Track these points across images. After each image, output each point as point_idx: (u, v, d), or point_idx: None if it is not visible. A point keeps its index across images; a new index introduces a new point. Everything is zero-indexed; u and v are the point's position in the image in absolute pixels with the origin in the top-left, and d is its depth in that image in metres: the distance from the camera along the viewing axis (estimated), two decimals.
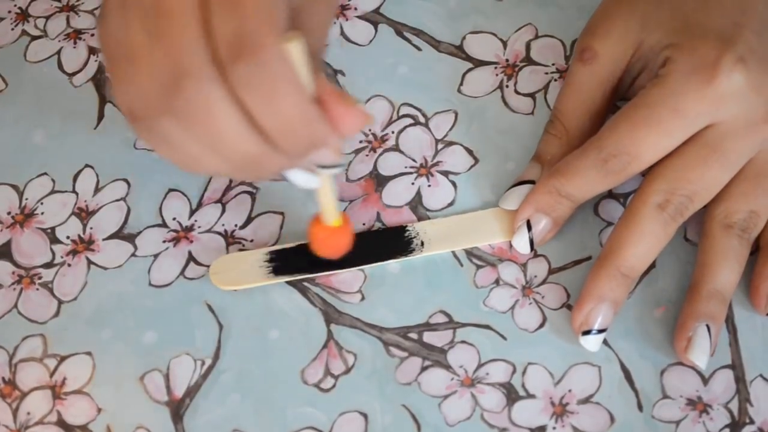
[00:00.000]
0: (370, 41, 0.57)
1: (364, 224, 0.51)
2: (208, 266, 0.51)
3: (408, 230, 0.51)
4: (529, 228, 0.49)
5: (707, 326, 0.47)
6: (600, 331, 0.47)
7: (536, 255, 0.50)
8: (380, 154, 0.53)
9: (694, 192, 0.47)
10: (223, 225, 0.52)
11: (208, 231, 0.52)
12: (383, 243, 0.51)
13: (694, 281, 0.48)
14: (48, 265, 0.51)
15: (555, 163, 0.50)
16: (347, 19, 0.57)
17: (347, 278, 0.50)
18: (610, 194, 0.51)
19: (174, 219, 0.52)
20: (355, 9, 0.58)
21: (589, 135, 0.50)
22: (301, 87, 0.38)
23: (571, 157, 0.49)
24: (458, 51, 0.56)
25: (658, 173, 0.47)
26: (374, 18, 0.57)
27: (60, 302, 0.50)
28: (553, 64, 0.55)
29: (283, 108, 0.38)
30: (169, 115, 0.39)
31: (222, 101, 0.38)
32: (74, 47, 0.57)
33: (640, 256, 0.47)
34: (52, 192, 0.53)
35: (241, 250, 0.51)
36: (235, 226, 0.52)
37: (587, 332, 0.47)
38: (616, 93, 0.51)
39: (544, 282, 0.50)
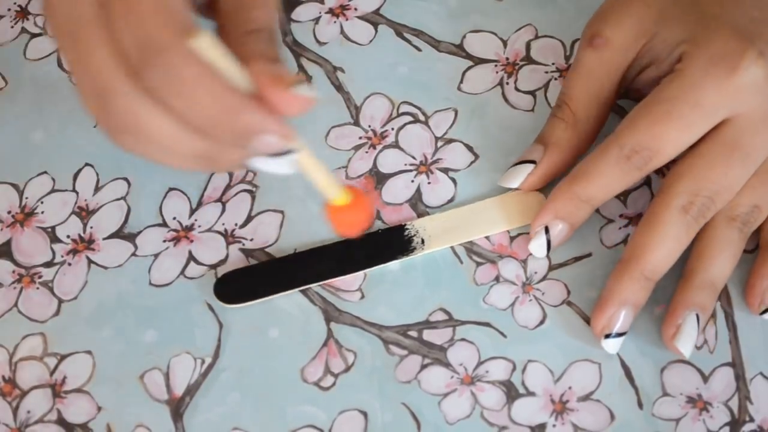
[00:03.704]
0: (370, 41, 0.57)
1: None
2: (208, 266, 0.51)
3: (407, 229, 0.51)
4: (546, 231, 0.49)
5: (696, 315, 0.47)
6: (620, 334, 0.47)
7: None
8: (380, 152, 0.53)
9: (716, 192, 0.46)
10: (223, 224, 0.52)
11: (209, 230, 0.52)
12: (384, 244, 0.51)
13: (689, 269, 0.48)
14: (48, 264, 0.51)
15: (560, 146, 0.50)
16: (347, 19, 0.57)
17: (347, 277, 0.50)
18: None
19: (174, 218, 0.52)
20: (355, 9, 0.58)
21: (596, 122, 0.50)
22: (214, 80, 0.38)
23: (590, 158, 0.48)
24: (458, 50, 0.56)
25: (680, 174, 0.47)
26: (374, 19, 0.57)
27: (60, 301, 0.50)
28: (553, 64, 0.55)
29: (202, 104, 0.38)
30: (112, 131, 0.41)
31: (148, 110, 0.39)
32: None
33: (663, 258, 0.47)
34: (53, 191, 0.53)
35: (241, 249, 0.51)
36: (235, 225, 0.52)
37: (608, 335, 0.47)
38: (625, 80, 0.51)
39: (544, 278, 0.50)
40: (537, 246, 0.49)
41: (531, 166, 0.50)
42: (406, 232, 0.51)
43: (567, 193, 0.48)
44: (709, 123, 0.46)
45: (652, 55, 0.49)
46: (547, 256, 0.50)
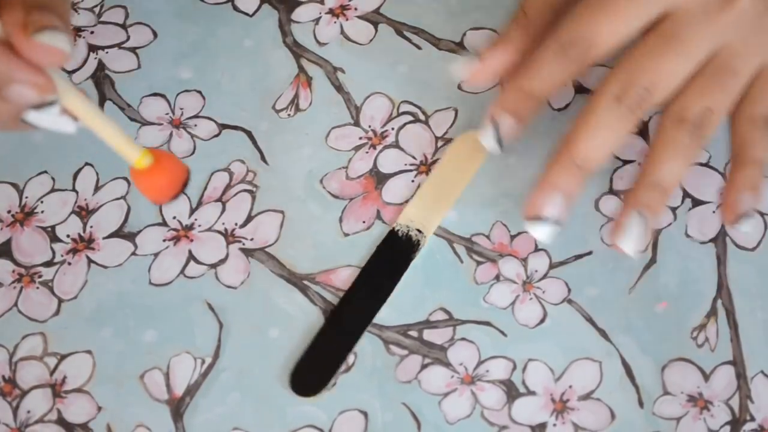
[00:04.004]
0: (371, 41, 0.57)
1: (364, 222, 0.51)
2: (208, 265, 0.51)
3: (398, 229, 0.51)
4: (496, 128, 0.49)
5: (641, 214, 0.46)
6: (550, 222, 0.46)
7: (537, 250, 0.50)
8: (380, 152, 0.53)
9: (652, 83, 0.46)
10: (223, 224, 0.52)
11: (209, 230, 0.52)
12: (392, 255, 0.50)
13: (642, 170, 0.48)
14: (48, 264, 0.51)
15: (508, 44, 0.50)
16: (347, 19, 0.57)
17: (347, 276, 0.50)
18: (610, 191, 0.51)
19: (174, 218, 0.52)
20: (356, 9, 0.58)
21: (543, 22, 0.50)
22: None
23: (533, 54, 0.48)
24: (459, 48, 0.56)
25: (618, 65, 0.47)
26: (374, 18, 0.57)
27: (60, 301, 0.50)
28: None
29: None
30: None
31: None
32: (74, 45, 0.57)
33: (595, 147, 0.46)
34: (52, 190, 0.53)
35: (241, 249, 0.51)
36: (235, 224, 0.52)
37: (537, 221, 0.46)
38: None
39: (544, 277, 0.50)
40: (486, 138, 0.49)
41: (477, 60, 0.50)
42: (399, 233, 0.51)
43: (511, 86, 0.49)
44: (645, 15, 0.47)
45: None
46: (500, 150, 0.49)
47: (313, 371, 0.48)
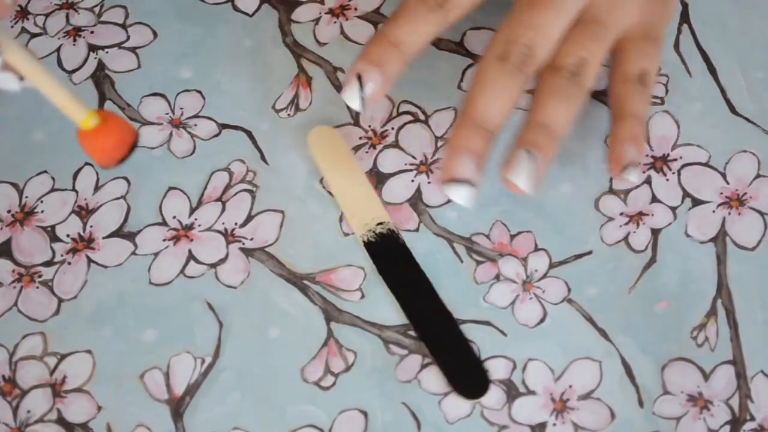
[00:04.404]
0: None
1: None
2: (208, 265, 0.51)
3: (365, 238, 0.51)
4: (361, 84, 0.48)
5: (528, 151, 0.46)
6: (466, 184, 0.46)
7: (537, 249, 0.50)
8: (380, 152, 0.53)
9: (531, 39, 0.47)
10: (223, 223, 0.52)
11: (208, 229, 0.52)
12: (392, 259, 0.50)
13: (527, 116, 0.48)
14: (48, 264, 0.51)
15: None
16: (347, 19, 0.57)
17: (347, 276, 0.50)
18: (610, 190, 0.51)
19: (174, 217, 0.52)
20: (356, 9, 0.58)
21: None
22: None
23: (399, 4, 0.49)
24: (458, 47, 0.56)
25: (500, 26, 0.48)
26: (374, 18, 0.57)
27: (60, 300, 0.50)
28: None
29: None
30: None
31: None
32: (74, 45, 0.57)
33: (490, 106, 0.47)
34: (52, 190, 0.53)
35: (241, 249, 0.51)
36: (235, 224, 0.52)
37: (452, 184, 0.46)
38: None
39: (544, 276, 0.50)
40: (350, 96, 0.48)
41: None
42: (372, 239, 0.51)
43: (375, 37, 0.48)
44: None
45: None
46: (362, 109, 0.49)
47: (468, 373, 0.48)
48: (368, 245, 0.50)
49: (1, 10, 0.39)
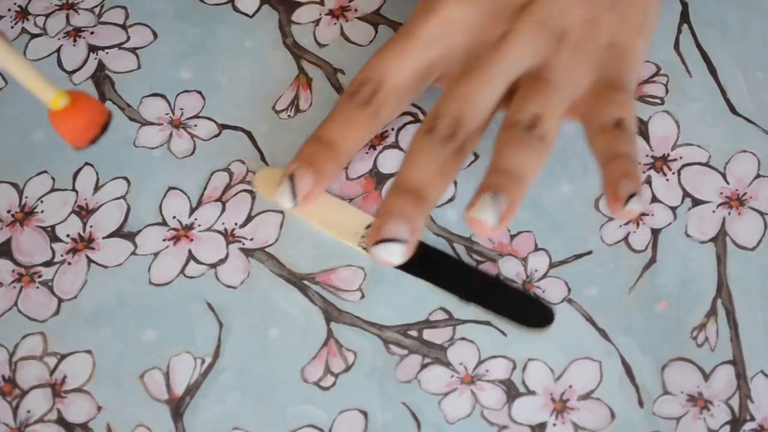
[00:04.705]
0: (371, 42, 0.57)
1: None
2: (208, 265, 0.51)
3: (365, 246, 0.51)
4: (292, 184, 0.50)
5: (491, 195, 0.46)
6: (391, 241, 0.46)
7: (537, 249, 0.50)
8: (380, 152, 0.53)
9: (458, 109, 0.48)
10: (223, 223, 0.52)
11: (208, 230, 0.52)
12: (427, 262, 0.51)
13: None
14: (48, 264, 0.51)
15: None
16: (347, 21, 0.57)
17: (347, 276, 0.50)
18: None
19: (174, 217, 0.52)
20: (356, 10, 0.58)
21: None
22: None
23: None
24: None
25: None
26: (374, 19, 0.57)
27: (60, 300, 0.50)
28: None
29: None
30: None
31: None
32: (74, 45, 0.57)
33: (418, 172, 0.47)
34: (52, 190, 0.53)
35: (241, 249, 0.51)
36: (235, 224, 0.52)
37: (378, 244, 0.46)
38: None
39: (544, 276, 0.50)
40: (283, 196, 0.50)
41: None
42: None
43: (310, 139, 0.51)
44: (424, 52, 0.50)
45: None
46: (293, 207, 0.50)
47: (526, 308, 0.49)
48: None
49: None
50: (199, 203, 0.52)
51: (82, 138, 0.43)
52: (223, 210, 0.52)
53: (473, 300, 0.49)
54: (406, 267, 0.49)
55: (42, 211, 0.52)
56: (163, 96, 0.55)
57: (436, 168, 0.47)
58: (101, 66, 0.56)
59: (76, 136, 0.43)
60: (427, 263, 0.50)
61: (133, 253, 0.51)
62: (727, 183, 0.52)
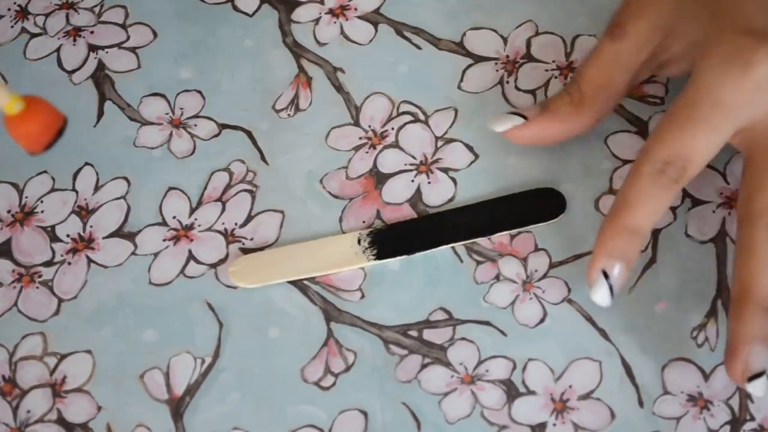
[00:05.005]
0: (370, 41, 0.57)
1: (364, 222, 0.51)
2: (208, 265, 0.51)
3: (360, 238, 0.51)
4: (606, 276, 0.46)
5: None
6: (761, 374, 0.44)
7: (537, 249, 0.50)
8: (380, 152, 0.53)
9: (687, 159, 0.45)
10: (223, 223, 0.52)
11: (208, 230, 0.52)
12: (401, 238, 0.51)
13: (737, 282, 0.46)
14: (48, 264, 0.51)
15: (557, 115, 0.50)
16: (347, 19, 0.57)
17: (347, 276, 0.50)
18: (610, 191, 0.51)
19: (174, 217, 0.52)
20: (355, 9, 0.58)
21: (599, 109, 0.50)
22: None
23: (625, 185, 0.46)
24: (458, 47, 0.56)
25: (752, 194, 0.45)
26: (374, 18, 0.57)
27: (60, 300, 0.50)
28: (553, 61, 0.55)
29: None
30: None
31: None
32: (74, 45, 0.57)
33: (641, 215, 0.45)
34: (52, 190, 0.53)
35: (241, 249, 0.51)
36: (235, 224, 0.52)
37: (751, 378, 0.44)
38: (638, 75, 0.51)
39: (544, 276, 0.50)
40: (600, 295, 0.46)
41: (521, 119, 0.50)
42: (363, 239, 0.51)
43: (613, 228, 0.46)
44: (734, 122, 0.45)
45: (670, 53, 0.49)
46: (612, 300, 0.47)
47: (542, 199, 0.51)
48: (378, 256, 0.50)
49: None
50: (199, 203, 0.52)
51: (37, 143, 0.43)
52: (223, 210, 0.52)
53: (483, 232, 0.50)
54: (400, 251, 0.50)
55: (42, 211, 0.52)
56: (163, 96, 0.55)
57: (658, 211, 0.46)
58: (101, 65, 0.56)
59: (31, 141, 0.43)
60: (414, 236, 0.51)
61: (133, 253, 0.51)
62: (727, 183, 0.52)
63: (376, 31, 0.57)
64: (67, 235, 0.52)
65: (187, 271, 0.51)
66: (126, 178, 0.53)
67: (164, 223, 0.52)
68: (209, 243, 0.51)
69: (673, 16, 0.49)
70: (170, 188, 0.53)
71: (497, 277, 0.50)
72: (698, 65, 0.46)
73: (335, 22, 0.57)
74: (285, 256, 0.50)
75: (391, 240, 0.50)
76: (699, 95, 0.45)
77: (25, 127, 0.42)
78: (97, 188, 0.53)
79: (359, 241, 0.50)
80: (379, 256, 0.50)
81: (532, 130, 0.50)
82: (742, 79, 0.45)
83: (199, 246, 0.51)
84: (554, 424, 0.46)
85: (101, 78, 0.56)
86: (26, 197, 0.53)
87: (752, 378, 0.44)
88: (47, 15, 0.58)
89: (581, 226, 0.50)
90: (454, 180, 0.52)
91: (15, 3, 0.59)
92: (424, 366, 0.48)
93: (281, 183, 0.53)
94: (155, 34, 0.57)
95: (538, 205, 0.50)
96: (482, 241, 0.50)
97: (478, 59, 0.55)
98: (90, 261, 0.51)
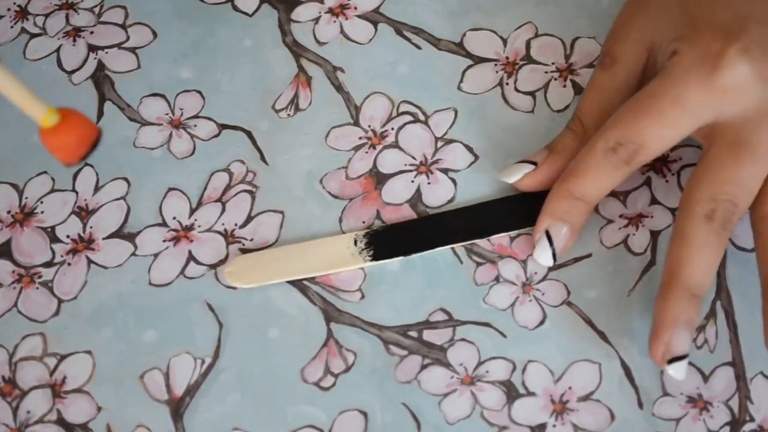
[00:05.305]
0: (370, 40, 0.57)
1: (363, 222, 0.51)
2: (208, 265, 0.51)
3: (357, 239, 0.51)
4: (550, 240, 0.48)
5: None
6: (682, 357, 0.45)
7: None
8: (380, 152, 0.53)
9: (735, 194, 0.46)
10: (223, 224, 0.52)
11: (208, 230, 0.52)
12: (401, 239, 0.51)
13: (762, 276, 0.46)
14: (48, 264, 0.51)
15: (564, 153, 0.50)
16: (347, 19, 0.57)
17: (347, 277, 0.50)
18: (609, 192, 0.51)
19: (174, 218, 0.52)
20: (355, 8, 0.58)
21: None
22: None
23: (579, 156, 0.48)
24: (458, 48, 0.56)
25: (696, 181, 0.47)
26: (374, 17, 0.57)
27: (60, 301, 0.50)
28: (553, 63, 0.55)
29: None
30: None
31: None
32: (73, 45, 0.57)
33: (703, 271, 0.46)
34: (52, 191, 0.53)
35: (241, 249, 0.51)
36: (235, 225, 0.52)
37: (671, 360, 0.46)
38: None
39: (544, 279, 0.50)
40: (542, 253, 0.49)
41: (531, 166, 0.50)
42: (360, 240, 0.51)
43: (560, 192, 0.48)
44: (693, 121, 0.47)
45: (658, 66, 0.49)
46: (554, 263, 0.49)
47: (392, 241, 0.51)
48: (375, 257, 0.50)
49: None
50: (199, 204, 0.52)
51: (74, 155, 0.43)
52: (223, 210, 0.52)
53: (481, 234, 0.51)
54: (397, 252, 0.50)
55: (42, 212, 0.52)
56: (162, 96, 0.55)
57: (715, 262, 0.46)
58: (101, 66, 0.56)
59: (68, 153, 0.43)
60: (411, 237, 0.51)
61: (133, 253, 0.51)
62: None
63: (376, 30, 0.57)
64: (67, 236, 0.52)
65: (187, 271, 0.51)
66: (126, 179, 0.53)
67: (164, 224, 0.52)
68: (209, 244, 0.51)
69: (652, 32, 0.50)
70: (170, 189, 0.53)
71: (497, 279, 0.50)
72: (670, 61, 0.47)
73: (335, 22, 0.57)
74: (281, 257, 0.50)
75: (387, 241, 0.50)
76: (662, 88, 0.47)
77: (62, 140, 0.42)
78: (97, 189, 0.53)
79: (356, 242, 0.50)
80: (376, 257, 0.50)
81: (545, 173, 0.50)
82: (708, 82, 0.46)
83: (199, 247, 0.51)
84: (554, 426, 0.47)
85: (101, 78, 0.56)
86: (26, 198, 0.53)
87: (673, 361, 0.45)
88: (47, 15, 0.58)
89: (581, 229, 0.50)
90: (453, 181, 0.52)
91: (15, 3, 0.58)
92: (424, 367, 0.48)
93: (281, 183, 0.53)
94: (155, 35, 0.57)
95: (537, 207, 0.49)
96: (482, 243, 0.50)
97: (478, 60, 0.55)
98: (90, 262, 0.51)
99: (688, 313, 0.46)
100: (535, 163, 0.50)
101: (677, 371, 0.46)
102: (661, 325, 0.46)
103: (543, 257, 0.49)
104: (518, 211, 0.51)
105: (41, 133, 0.42)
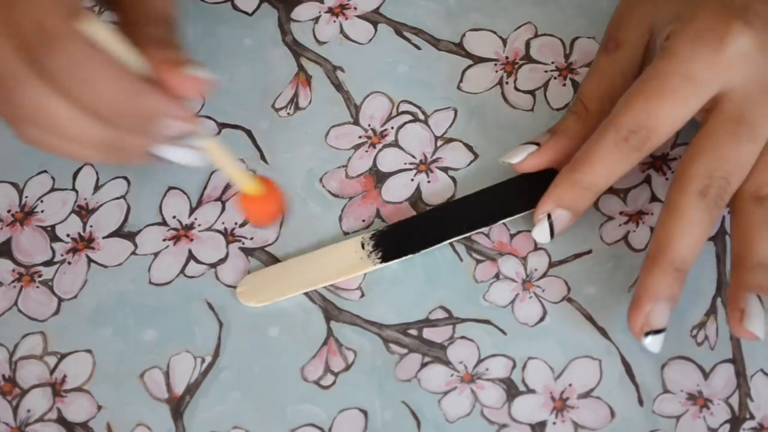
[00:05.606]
0: (370, 40, 0.57)
1: (363, 221, 0.51)
2: (207, 264, 0.51)
3: (363, 242, 0.51)
4: (551, 222, 0.49)
5: (758, 296, 0.45)
6: (660, 331, 0.46)
7: (536, 248, 0.50)
8: (380, 151, 0.53)
9: (729, 171, 0.46)
10: (223, 223, 0.52)
11: (208, 229, 0.52)
12: (410, 236, 0.51)
13: (737, 256, 0.47)
14: (48, 263, 0.51)
15: (567, 134, 0.50)
16: (347, 19, 0.57)
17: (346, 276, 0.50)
18: (610, 190, 0.51)
19: (174, 217, 0.52)
20: (355, 9, 0.58)
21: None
22: (111, 65, 0.39)
23: (588, 144, 0.48)
24: (458, 48, 0.56)
25: (691, 157, 0.46)
26: (374, 18, 0.57)
27: (60, 300, 0.50)
28: (552, 62, 0.55)
29: (101, 89, 0.39)
30: (14, 121, 0.41)
31: (48, 97, 0.39)
32: None
33: (690, 246, 0.46)
34: (52, 190, 0.53)
35: (241, 248, 0.51)
36: (235, 224, 0.52)
37: (648, 333, 0.46)
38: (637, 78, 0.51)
39: (544, 275, 0.50)
40: (540, 232, 0.49)
41: (534, 147, 0.50)
42: (366, 243, 0.51)
43: (568, 180, 0.48)
44: (703, 96, 0.46)
45: (656, 48, 0.49)
46: (550, 239, 0.49)
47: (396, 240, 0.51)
48: (384, 258, 0.50)
49: (198, 85, 0.42)
50: (199, 203, 0.52)
51: (269, 221, 0.50)
52: (223, 209, 0.52)
53: (487, 221, 0.51)
54: (406, 251, 0.50)
55: (42, 211, 0.52)
56: None
57: (703, 238, 0.46)
58: None
59: (264, 218, 0.49)
60: (417, 234, 0.51)
61: (133, 252, 0.51)
62: None
63: (376, 30, 0.57)
64: (67, 235, 0.52)
65: (187, 270, 0.51)
66: (126, 178, 0.53)
67: (164, 223, 0.52)
68: (209, 243, 0.51)
69: (652, 14, 0.50)
70: (170, 188, 0.53)
71: (497, 276, 0.50)
72: (672, 38, 0.47)
73: (335, 21, 0.57)
74: (290, 271, 0.50)
75: (394, 240, 0.50)
76: (670, 67, 0.46)
77: (265, 207, 0.48)
78: (97, 188, 0.53)
79: (363, 246, 0.50)
80: (385, 259, 0.50)
81: (547, 154, 0.50)
82: (715, 55, 0.46)
83: (199, 246, 0.51)
84: (554, 423, 0.46)
85: None
86: (26, 197, 0.53)
87: (650, 333, 0.46)
88: None
89: (581, 226, 0.50)
90: (453, 179, 0.52)
91: None
92: (423, 365, 0.48)
93: (281, 182, 0.52)
94: None
95: (537, 187, 0.49)
96: (482, 240, 0.50)
97: (478, 60, 0.55)
98: (90, 261, 0.51)
99: (672, 288, 0.46)
100: (538, 144, 0.50)
101: (653, 344, 0.46)
102: (644, 296, 0.46)
103: (541, 237, 0.49)
104: (520, 193, 0.51)
105: (244, 199, 0.47)
